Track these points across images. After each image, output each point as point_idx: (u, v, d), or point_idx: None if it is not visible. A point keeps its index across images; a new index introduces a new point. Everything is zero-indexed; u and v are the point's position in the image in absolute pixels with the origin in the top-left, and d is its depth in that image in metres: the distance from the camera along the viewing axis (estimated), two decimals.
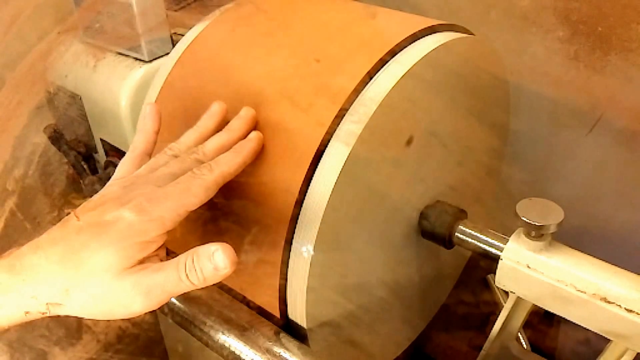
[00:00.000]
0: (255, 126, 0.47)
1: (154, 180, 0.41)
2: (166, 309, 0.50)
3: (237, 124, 0.46)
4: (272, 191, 0.46)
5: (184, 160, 0.44)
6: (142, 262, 0.39)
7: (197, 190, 0.40)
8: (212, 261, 0.37)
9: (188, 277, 0.38)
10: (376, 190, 0.49)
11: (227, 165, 0.43)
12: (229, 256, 0.37)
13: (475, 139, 0.60)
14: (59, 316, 0.39)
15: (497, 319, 0.52)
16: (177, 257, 0.39)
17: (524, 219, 0.44)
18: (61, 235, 0.39)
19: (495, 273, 0.48)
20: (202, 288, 0.49)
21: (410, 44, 0.49)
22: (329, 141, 0.45)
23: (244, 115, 0.47)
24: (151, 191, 0.40)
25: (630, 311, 0.42)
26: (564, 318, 0.46)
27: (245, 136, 0.46)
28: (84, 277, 0.37)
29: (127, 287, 0.37)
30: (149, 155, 0.46)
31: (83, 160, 0.70)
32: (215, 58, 0.55)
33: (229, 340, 0.46)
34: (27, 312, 0.38)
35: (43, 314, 0.38)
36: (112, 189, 0.42)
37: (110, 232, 0.38)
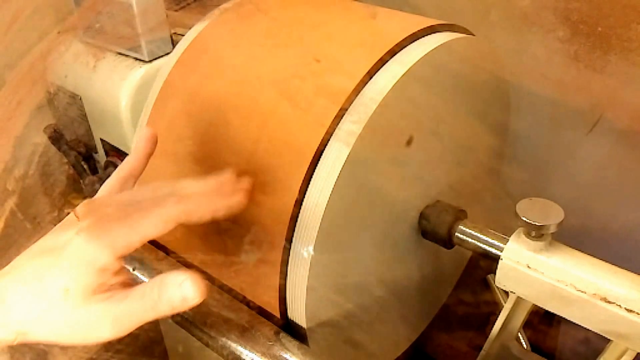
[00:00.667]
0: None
1: (117, 204, 0.40)
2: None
3: (229, 185, 0.43)
4: (272, 191, 0.46)
5: (157, 191, 0.41)
6: (103, 287, 0.37)
7: (154, 219, 0.38)
8: (181, 291, 0.36)
9: (155, 307, 0.37)
10: (376, 190, 0.49)
11: (196, 205, 0.39)
12: (198, 286, 0.36)
13: (475, 139, 0.60)
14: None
15: (497, 319, 0.52)
16: (143, 285, 0.38)
17: (524, 219, 0.44)
18: (24, 261, 0.38)
19: (495, 273, 0.48)
20: None
21: (410, 43, 0.49)
22: (328, 141, 0.45)
23: (241, 183, 0.43)
24: (108, 214, 0.39)
25: (630, 311, 0.42)
26: (564, 318, 0.46)
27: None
28: (45, 305, 0.37)
29: (93, 316, 0.37)
30: (136, 178, 0.45)
31: (83, 160, 0.70)
32: (215, 58, 0.55)
33: (229, 340, 0.46)
34: None
35: (12, 341, 0.38)
36: (78, 208, 0.40)
37: (62, 258, 0.37)
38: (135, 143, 0.46)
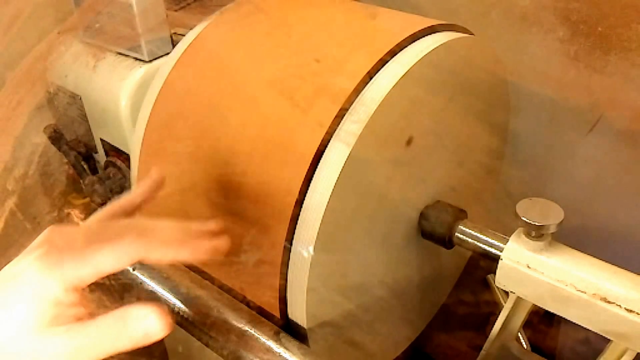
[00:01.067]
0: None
1: (81, 233, 0.38)
2: (166, 309, 0.50)
3: (203, 238, 0.40)
4: (272, 191, 0.46)
5: (129, 226, 0.39)
6: (60, 319, 0.35)
7: (109, 253, 0.36)
8: (145, 326, 0.35)
9: (116, 341, 0.35)
10: (376, 190, 0.49)
11: (156, 246, 0.37)
12: (163, 320, 0.35)
13: (475, 139, 0.60)
14: None
15: (497, 319, 0.52)
16: (103, 318, 0.36)
17: (524, 219, 0.44)
18: None
19: (495, 273, 0.48)
20: (202, 288, 0.50)
21: (410, 44, 0.49)
22: (329, 141, 0.45)
23: (218, 240, 0.41)
24: (65, 244, 0.37)
25: (630, 311, 0.42)
26: (564, 318, 0.46)
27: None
28: (5, 334, 0.35)
29: (50, 348, 0.35)
30: (127, 215, 0.43)
31: (83, 160, 0.70)
32: (215, 58, 0.55)
33: (229, 341, 0.46)
34: None
35: None
36: (44, 233, 0.39)
37: (16, 288, 0.35)
38: (141, 181, 0.45)
